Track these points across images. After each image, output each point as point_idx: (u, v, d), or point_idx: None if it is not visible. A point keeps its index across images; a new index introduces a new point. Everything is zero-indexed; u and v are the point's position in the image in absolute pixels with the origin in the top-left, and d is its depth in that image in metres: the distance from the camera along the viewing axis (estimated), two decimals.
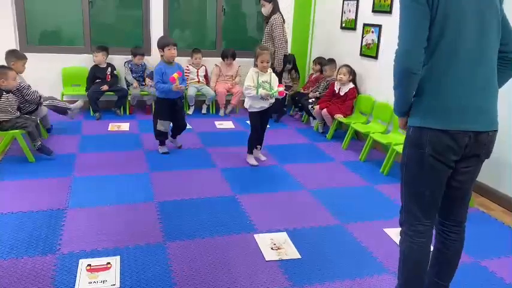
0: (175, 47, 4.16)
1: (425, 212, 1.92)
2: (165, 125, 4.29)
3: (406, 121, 1.93)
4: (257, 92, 3.95)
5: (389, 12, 4.69)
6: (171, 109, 4.27)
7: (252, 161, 4.22)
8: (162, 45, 4.15)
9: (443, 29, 1.71)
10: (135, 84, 5.78)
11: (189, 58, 6.13)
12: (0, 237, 2.73)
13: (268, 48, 4.11)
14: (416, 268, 1.97)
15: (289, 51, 6.09)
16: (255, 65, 4.04)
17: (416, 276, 1.98)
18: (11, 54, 4.55)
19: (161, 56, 4.21)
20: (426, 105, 1.80)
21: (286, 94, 4.21)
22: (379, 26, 4.89)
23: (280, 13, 5.51)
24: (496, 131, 1.84)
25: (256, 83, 3.97)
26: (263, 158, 4.36)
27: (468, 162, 1.86)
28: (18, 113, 4.10)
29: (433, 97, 1.78)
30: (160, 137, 4.40)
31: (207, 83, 6.19)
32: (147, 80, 5.88)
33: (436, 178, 1.86)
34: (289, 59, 6.15)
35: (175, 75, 4.05)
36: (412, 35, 1.73)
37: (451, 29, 1.71)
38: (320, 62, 6.01)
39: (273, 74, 4.15)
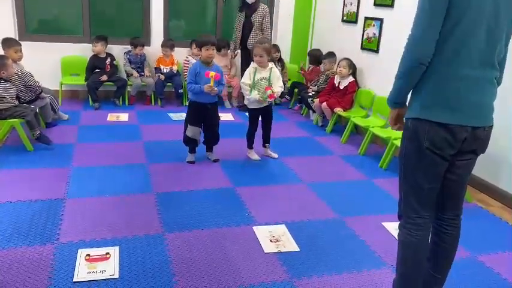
0: (213, 47, 3.79)
1: (424, 205, 1.93)
2: (193, 131, 3.87)
3: (397, 115, 1.95)
4: (250, 92, 3.89)
5: (391, 5, 4.66)
6: (201, 114, 3.89)
7: (253, 156, 4.18)
8: (200, 45, 3.80)
9: (457, 25, 1.70)
10: (135, 73, 5.76)
11: (189, 49, 6.10)
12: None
13: (265, 41, 3.96)
14: (415, 261, 1.98)
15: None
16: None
17: (415, 270, 1.99)
18: (2, 43, 4.55)
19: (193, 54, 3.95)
20: (426, 98, 1.81)
21: (275, 97, 4.07)
22: (381, 20, 4.86)
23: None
24: (492, 126, 1.87)
25: (252, 80, 3.86)
26: (274, 155, 4.23)
27: (464, 156, 1.88)
28: (16, 102, 4.08)
29: (434, 90, 1.78)
30: (188, 143, 3.98)
31: None
32: (146, 70, 5.88)
33: (433, 170, 1.87)
34: (277, 48, 6.19)
35: (212, 73, 3.68)
36: (428, 24, 1.72)
37: (465, 26, 1.70)
38: (312, 54, 6.09)
39: (275, 70, 3.99)
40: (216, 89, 3.76)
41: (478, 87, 1.78)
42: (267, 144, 4.25)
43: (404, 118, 1.93)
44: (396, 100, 1.91)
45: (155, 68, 5.95)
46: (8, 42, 4.54)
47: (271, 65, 3.94)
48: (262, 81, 3.90)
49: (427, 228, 1.97)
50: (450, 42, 1.72)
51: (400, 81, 1.85)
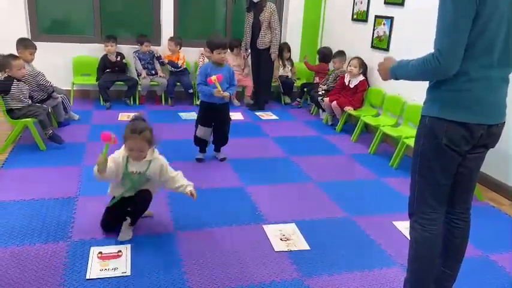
0: (225, 50, 3.73)
1: (439, 200, 1.95)
2: (203, 132, 3.85)
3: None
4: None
5: (402, 4, 4.63)
6: (212, 115, 3.85)
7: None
8: (211, 48, 3.71)
9: (485, 28, 1.69)
10: (144, 74, 5.80)
11: (202, 49, 6.11)
12: (13, 224, 2.77)
13: (145, 128, 2.57)
14: (428, 257, 1.98)
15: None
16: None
17: (428, 266, 2.00)
18: (19, 42, 4.60)
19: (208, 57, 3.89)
20: (446, 97, 1.81)
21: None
22: (391, 18, 4.84)
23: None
24: (504, 122, 1.90)
25: (121, 170, 2.61)
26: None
27: (476, 149, 1.90)
28: (29, 101, 4.13)
29: (455, 89, 1.78)
30: (198, 143, 3.97)
31: None
32: (159, 71, 5.91)
33: (450, 166, 1.89)
34: (288, 47, 6.25)
35: (214, 77, 3.59)
36: (457, 45, 1.68)
37: (493, 28, 1.70)
38: (322, 51, 6.15)
39: (158, 162, 2.68)
40: (226, 94, 3.72)
41: (497, 87, 1.80)
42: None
43: (422, 115, 1.92)
44: (399, 78, 1.95)
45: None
46: (25, 43, 4.59)
47: (150, 156, 2.65)
48: (137, 176, 2.66)
49: (440, 223, 1.98)
50: (479, 44, 1.71)
51: (413, 74, 1.86)
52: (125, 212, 2.68)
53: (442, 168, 1.89)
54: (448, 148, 1.83)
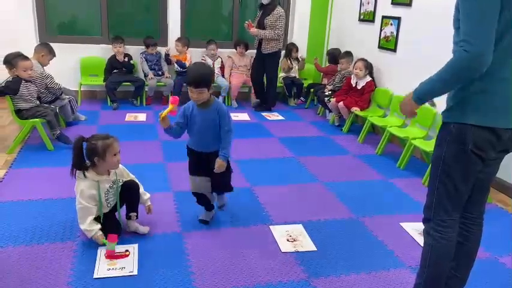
0: (201, 90, 2.57)
1: (457, 206, 1.92)
2: (196, 184, 2.85)
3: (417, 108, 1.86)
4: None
5: (409, 4, 4.62)
6: (201, 162, 2.83)
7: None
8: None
9: (509, 25, 1.64)
10: (151, 75, 5.82)
11: (204, 49, 6.14)
12: (22, 223, 2.79)
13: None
14: (444, 263, 1.96)
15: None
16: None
17: (443, 271, 1.98)
18: (44, 46, 4.66)
19: None
20: (473, 102, 1.76)
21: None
22: (398, 19, 4.82)
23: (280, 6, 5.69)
24: None
25: (98, 197, 2.57)
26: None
27: (497, 155, 1.87)
28: (37, 102, 4.16)
29: (481, 94, 1.73)
30: (196, 198, 2.94)
31: (223, 75, 6.20)
32: (166, 72, 5.93)
33: (472, 173, 1.86)
34: (296, 47, 6.29)
35: (170, 106, 2.67)
36: (486, 33, 1.58)
37: None
38: (331, 53, 6.15)
39: (125, 169, 2.77)
40: (163, 116, 2.70)
41: None
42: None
43: (444, 121, 1.86)
44: (429, 98, 1.81)
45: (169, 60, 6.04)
46: (49, 48, 4.65)
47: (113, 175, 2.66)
48: (112, 189, 2.66)
49: (456, 229, 1.96)
50: (503, 43, 1.66)
51: (445, 85, 1.72)
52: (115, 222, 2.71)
53: (464, 174, 1.85)
54: (473, 154, 1.79)
